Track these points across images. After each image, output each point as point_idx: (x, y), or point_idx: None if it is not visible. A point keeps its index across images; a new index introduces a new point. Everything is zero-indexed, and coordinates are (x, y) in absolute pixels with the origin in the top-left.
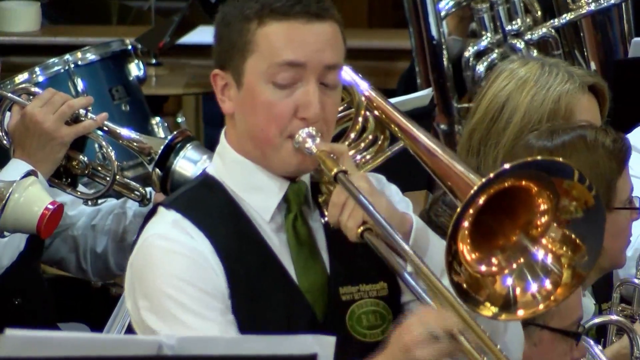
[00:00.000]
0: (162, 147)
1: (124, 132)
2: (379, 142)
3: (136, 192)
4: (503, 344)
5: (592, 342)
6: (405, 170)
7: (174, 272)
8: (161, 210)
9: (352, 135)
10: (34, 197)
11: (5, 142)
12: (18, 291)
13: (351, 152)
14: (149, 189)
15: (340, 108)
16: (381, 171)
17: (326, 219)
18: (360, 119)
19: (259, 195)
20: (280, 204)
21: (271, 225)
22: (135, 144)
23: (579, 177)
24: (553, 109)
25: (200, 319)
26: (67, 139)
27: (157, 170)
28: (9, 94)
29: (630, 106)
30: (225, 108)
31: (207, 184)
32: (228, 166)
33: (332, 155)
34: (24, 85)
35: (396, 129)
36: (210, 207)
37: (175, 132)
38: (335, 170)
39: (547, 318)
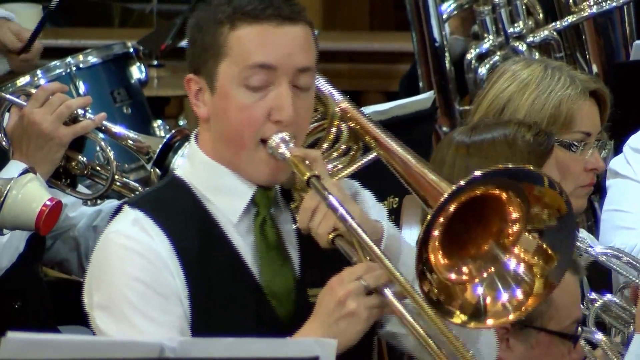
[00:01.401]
0: (160, 146)
1: (122, 131)
2: (352, 153)
3: (136, 192)
4: (476, 349)
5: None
6: None
7: (129, 272)
8: (125, 208)
9: (325, 145)
10: (32, 194)
11: (4, 143)
12: (18, 295)
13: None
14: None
15: (314, 119)
16: (380, 174)
17: (297, 224)
18: (333, 130)
19: (227, 198)
20: (249, 207)
21: (238, 228)
22: (133, 143)
23: (549, 183)
24: (553, 114)
25: (148, 321)
26: (66, 139)
27: (156, 169)
28: (7, 96)
29: (632, 109)
30: (200, 113)
31: (174, 185)
32: (196, 168)
33: (305, 160)
34: (24, 87)
35: (371, 140)
36: (174, 207)
37: (173, 131)
38: (308, 174)
39: (545, 320)
